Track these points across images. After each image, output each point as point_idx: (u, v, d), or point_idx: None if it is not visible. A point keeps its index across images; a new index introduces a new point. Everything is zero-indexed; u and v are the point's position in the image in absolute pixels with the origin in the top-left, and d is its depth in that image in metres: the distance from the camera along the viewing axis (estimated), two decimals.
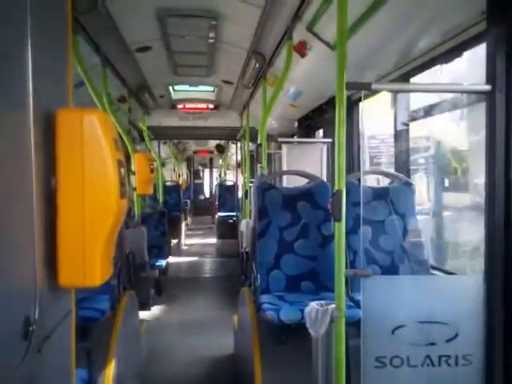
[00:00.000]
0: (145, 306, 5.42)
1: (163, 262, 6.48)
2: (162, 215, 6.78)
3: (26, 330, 1.04)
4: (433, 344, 2.12)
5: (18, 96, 1.06)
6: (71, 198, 1.22)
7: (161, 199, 8.24)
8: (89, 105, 4.09)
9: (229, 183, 12.81)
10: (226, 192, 12.06)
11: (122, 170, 1.33)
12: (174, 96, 7.10)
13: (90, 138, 1.23)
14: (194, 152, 16.20)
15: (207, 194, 19.12)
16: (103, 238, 1.25)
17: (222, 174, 14.89)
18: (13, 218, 1.02)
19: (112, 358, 2.90)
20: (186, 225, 12.32)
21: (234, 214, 10.17)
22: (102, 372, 2.76)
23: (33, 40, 1.09)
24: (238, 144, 9.62)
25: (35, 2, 1.12)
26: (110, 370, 2.83)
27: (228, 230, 9.71)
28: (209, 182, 19.45)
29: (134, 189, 5.34)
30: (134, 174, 5.27)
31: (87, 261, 1.24)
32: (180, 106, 7.51)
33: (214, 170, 18.96)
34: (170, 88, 6.66)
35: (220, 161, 16.29)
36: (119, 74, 4.97)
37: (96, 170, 1.23)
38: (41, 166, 1.15)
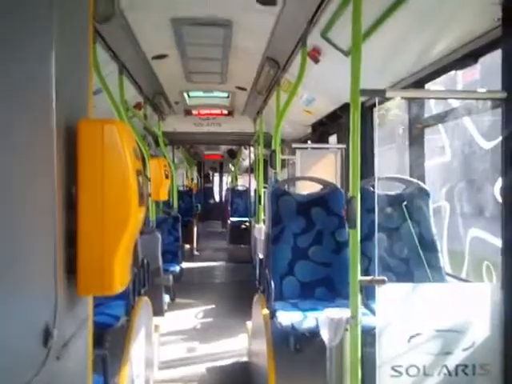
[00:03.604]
0: (159, 312, 5.43)
1: (177, 268, 6.47)
2: (176, 220, 6.78)
3: (46, 337, 1.05)
4: (449, 353, 2.09)
5: (42, 105, 1.08)
6: (91, 206, 1.24)
7: (175, 204, 8.26)
8: (106, 111, 4.13)
9: (241, 188, 12.79)
10: (238, 197, 12.05)
11: (141, 178, 1.35)
12: (189, 102, 7.15)
13: (111, 147, 1.25)
14: (205, 156, 16.23)
15: (217, 198, 19.10)
16: (122, 246, 1.27)
17: (234, 180, 14.86)
18: (34, 226, 1.03)
19: (127, 363, 2.91)
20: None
21: (246, 219, 10.16)
22: (117, 378, 2.77)
23: (56, 51, 1.11)
24: (251, 149, 9.63)
25: (59, 13, 1.14)
26: (125, 375, 2.84)
27: (240, 236, 9.70)
28: (219, 186, 19.46)
29: (149, 194, 5.36)
30: (149, 179, 5.30)
31: (106, 269, 1.25)
32: (195, 112, 7.55)
33: (224, 174, 18.97)
34: (185, 94, 6.71)
35: (230, 165, 16.28)
36: (135, 81, 5.02)
37: (116, 180, 1.25)
38: (62, 175, 1.17)
